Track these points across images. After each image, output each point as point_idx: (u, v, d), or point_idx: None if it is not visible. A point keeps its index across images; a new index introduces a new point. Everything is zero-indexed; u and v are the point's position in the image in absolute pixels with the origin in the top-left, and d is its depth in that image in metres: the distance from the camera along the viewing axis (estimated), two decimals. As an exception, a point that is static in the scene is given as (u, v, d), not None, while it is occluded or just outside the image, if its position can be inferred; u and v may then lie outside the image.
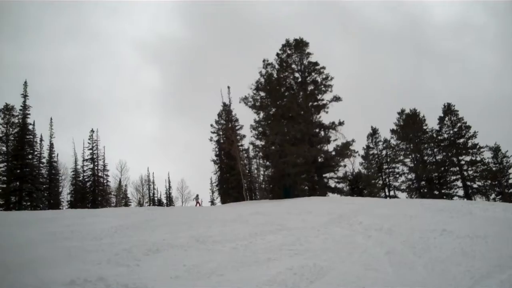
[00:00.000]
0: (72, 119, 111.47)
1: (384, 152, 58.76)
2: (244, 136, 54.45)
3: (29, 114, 53.13)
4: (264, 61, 43.25)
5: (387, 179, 57.65)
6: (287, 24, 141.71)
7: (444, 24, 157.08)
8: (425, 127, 56.62)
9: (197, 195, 43.71)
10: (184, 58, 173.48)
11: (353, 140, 40.47)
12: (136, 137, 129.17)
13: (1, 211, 41.28)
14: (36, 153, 55.26)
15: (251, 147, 50.34)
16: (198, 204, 41.63)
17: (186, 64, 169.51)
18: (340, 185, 43.26)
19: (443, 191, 52.69)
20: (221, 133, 56.34)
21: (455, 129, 53.96)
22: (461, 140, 53.24)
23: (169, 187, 78.88)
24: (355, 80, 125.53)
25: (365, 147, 59.50)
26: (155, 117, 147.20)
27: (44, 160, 57.62)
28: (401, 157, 56.74)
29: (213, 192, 71.53)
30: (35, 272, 8.32)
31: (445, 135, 54.67)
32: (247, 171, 57.64)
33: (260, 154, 45.86)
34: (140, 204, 72.48)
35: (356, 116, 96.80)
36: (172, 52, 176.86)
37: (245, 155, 58.75)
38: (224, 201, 52.93)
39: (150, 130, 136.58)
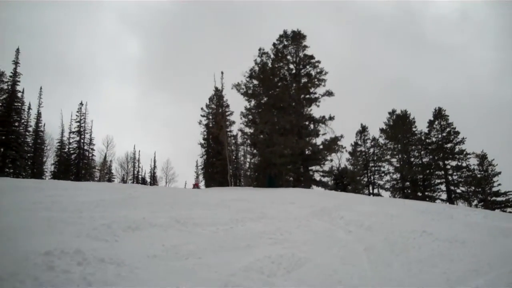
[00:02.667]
0: (55, 86, 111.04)
1: (371, 150, 59.03)
2: (233, 122, 54.47)
3: (19, 81, 52.61)
4: (259, 49, 43.23)
5: (372, 177, 57.96)
6: (284, 7, 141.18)
7: (443, 17, 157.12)
8: (414, 129, 56.92)
9: (197, 177, 43.52)
10: (171, 32, 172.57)
11: (341, 136, 40.60)
12: (119, 109, 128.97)
13: (-18, 176, 41.01)
14: (23, 121, 54.81)
15: (239, 133, 50.36)
16: (195, 187, 41.50)
17: (172, 39, 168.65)
18: (325, 179, 43.46)
19: (426, 193, 53.07)
20: (210, 117, 56.25)
21: (444, 134, 54.22)
22: (449, 145, 53.53)
23: (154, 166, 78.91)
24: (347, 72, 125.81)
25: (353, 143, 59.70)
26: (137, 89, 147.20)
27: (30, 129, 57.20)
28: (388, 157, 57.02)
29: (198, 175, 71.58)
30: (12, 240, 8.28)
31: (433, 139, 54.92)
32: (233, 157, 57.67)
33: (248, 141, 45.92)
34: (123, 181, 72.46)
35: (346, 111, 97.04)
36: (157, 24, 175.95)
37: (233, 141, 58.74)
38: (208, 185, 52.92)
39: (132, 102, 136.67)
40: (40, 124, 59.39)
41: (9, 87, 51.82)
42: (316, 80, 42.30)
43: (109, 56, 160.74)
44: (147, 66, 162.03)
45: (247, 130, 44.02)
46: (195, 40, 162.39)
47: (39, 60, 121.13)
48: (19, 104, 53.46)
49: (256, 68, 42.41)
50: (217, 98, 54.66)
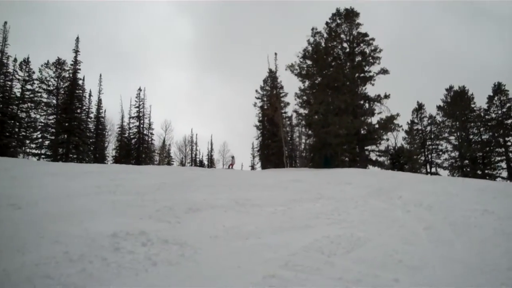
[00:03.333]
0: (111, 72, 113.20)
1: (428, 128, 58.05)
2: (288, 103, 54.60)
3: (79, 69, 54.35)
4: (312, 29, 42.85)
5: (429, 156, 57.05)
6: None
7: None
8: (473, 105, 55.57)
9: (233, 156, 42.48)
10: (222, 14, 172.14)
11: (397, 114, 39.92)
12: (173, 91, 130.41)
13: (48, 161, 42.54)
14: (84, 107, 56.82)
15: (294, 115, 50.18)
16: (231, 166, 41.42)
17: (224, 21, 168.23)
18: (381, 159, 42.97)
19: (486, 171, 51.87)
20: (265, 99, 56.41)
21: (504, 109, 52.69)
22: (509, 121, 51.96)
23: (211, 149, 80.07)
24: (402, 48, 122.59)
25: (409, 122, 58.87)
26: (191, 72, 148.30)
27: (91, 115, 59.42)
28: (446, 134, 55.99)
29: (253, 157, 72.29)
30: (80, 223, 8.64)
31: (493, 115, 53.49)
32: (288, 139, 57.81)
33: (303, 122, 45.71)
34: (182, 164, 73.71)
35: (402, 88, 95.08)
36: (208, 6, 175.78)
37: (288, 122, 58.86)
38: (264, 166, 53.29)
39: (186, 85, 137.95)
40: (101, 110, 61.65)
41: (70, 75, 53.46)
42: (370, 58, 41.71)
43: (162, 39, 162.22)
44: (200, 49, 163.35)
45: (301, 111, 43.90)
46: (247, 21, 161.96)
47: (94, 46, 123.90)
48: (80, 92, 55.42)
49: (310, 48, 42.11)
50: (271, 79, 54.74)
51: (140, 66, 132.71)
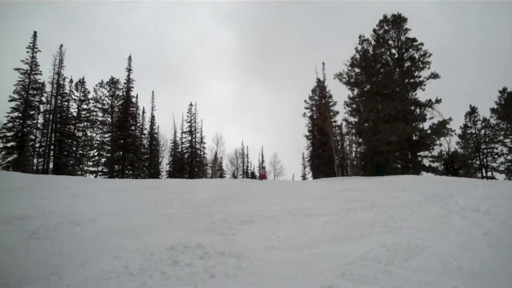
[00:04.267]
0: (158, 87, 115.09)
1: (482, 131, 56.66)
2: (337, 112, 54.54)
3: (132, 87, 55.92)
4: (360, 37, 42.69)
5: (484, 160, 55.64)
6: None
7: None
8: (528, 106, 53.85)
9: (264, 167, 39.65)
10: (264, 22, 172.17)
11: (450, 119, 39.12)
12: (220, 102, 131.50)
13: (105, 178, 43.59)
14: (138, 124, 58.22)
15: (344, 123, 50.18)
16: (262, 178, 36.59)
17: (266, 29, 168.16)
18: (434, 164, 42.11)
19: (545, 173, 50.18)
20: (314, 109, 56.43)
21: (563, 109, 50.93)
22: None
23: (262, 160, 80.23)
24: (452, 50, 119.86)
25: (462, 126, 57.63)
26: (236, 82, 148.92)
27: (145, 132, 60.70)
28: (501, 137, 54.44)
29: (304, 167, 72.07)
30: (138, 237, 8.86)
31: (552, 115, 51.72)
32: (339, 147, 57.46)
33: (353, 130, 45.54)
34: (234, 176, 74.22)
35: (453, 92, 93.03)
36: (249, 14, 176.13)
37: (338, 131, 58.52)
38: (315, 176, 53.15)
39: (233, 96, 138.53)
40: (154, 127, 63.00)
41: (124, 94, 54.93)
42: (420, 63, 41.07)
43: (205, 50, 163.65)
44: (243, 58, 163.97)
45: (351, 119, 43.77)
46: (290, 30, 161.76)
47: (141, 62, 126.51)
48: (134, 109, 56.82)
49: (357, 56, 41.97)
50: (320, 89, 54.68)
51: (187, 79, 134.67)
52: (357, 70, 41.85)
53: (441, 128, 39.03)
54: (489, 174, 54.88)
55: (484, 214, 11.61)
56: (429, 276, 6.49)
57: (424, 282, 6.22)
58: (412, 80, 41.15)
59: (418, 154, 40.82)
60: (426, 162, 41.22)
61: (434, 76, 40.15)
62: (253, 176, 76.94)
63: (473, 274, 6.58)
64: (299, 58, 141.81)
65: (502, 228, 9.90)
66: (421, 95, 41.60)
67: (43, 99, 49.53)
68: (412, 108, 41.09)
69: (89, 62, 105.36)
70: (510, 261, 7.24)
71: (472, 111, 58.20)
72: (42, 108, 49.48)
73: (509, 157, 54.07)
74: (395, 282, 6.31)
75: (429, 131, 39.71)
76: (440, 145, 43.31)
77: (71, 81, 52.80)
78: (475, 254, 7.78)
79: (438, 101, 39.84)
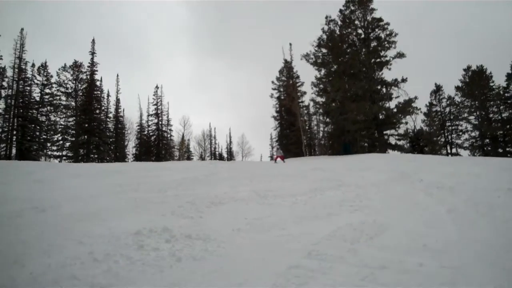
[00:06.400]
0: (116, 65, 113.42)
1: (447, 109, 57.72)
2: (304, 93, 54.85)
3: (96, 70, 55.08)
4: (326, 17, 42.93)
5: (449, 137, 56.71)
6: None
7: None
8: (491, 84, 54.91)
9: (278, 148, 35.63)
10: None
11: (415, 97, 39.81)
12: (183, 83, 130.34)
13: (70, 163, 43.01)
14: (103, 108, 57.48)
15: (311, 103, 50.36)
16: (278, 159, 32.37)
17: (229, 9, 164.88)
18: (400, 142, 42.92)
19: (507, 149, 51.31)
20: (282, 89, 56.52)
21: (524, 86, 52.00)
22: (530, 97, 51.34)
23: (230, 142, 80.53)
24: (417, 29, 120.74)
25: (427, 104, 58.59)
26: (196, 61, 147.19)
27: (110, 115, 60.04)
28: (465, 115, 55.62)
29: (272, 147, 72.30)
30: (104, 222, 8.73)
31: (513, 92, 52.78)
32: (307, 128, 57.77)
33: (321, 110, 45.85)
34: (202, 158, 74.19)
35: (419, 71, 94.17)
36: None
37: (305, 111, 58.80)
38: (284, 156, 53.35)
39: (196, 76, 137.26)
40: (119, 110, 62.42)
41: (88, 77, 54.13)
42: (386, 43, 41.51)
43: (162, 29, 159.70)
44: (203, 37, 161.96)
45: (318, 99, 44.08)
46: (254, 10, 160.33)
47: (102, 45, 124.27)
48: (99, 92, 56.04)
49: (324, 37, 42.21)
50: (287, 70, 54.76)
51: (150, 60, 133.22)
52: (324, 50, 42.09)
53: (407, 107, 39.62)
54: (454, 151, 55.93)
55: (449, 191, 11.81)
56: (394, 254, 6.54)
57: (389, 260, 6.27)
58: (378, 60, 41.58)
59: (385, 132, 41.40)
60: (392, 140, 41.98)
61: (400, 55, 40.60)
62: (221, 157, 76.98)
63: (438, 251, 6.66)
64: (267, 39, 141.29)
65: (466, 204, 10.06)
66: (387, 74, 42.31)
67: (4, 84, 48.56)
68: (379, 87, 41.57)
69: (51, 47, 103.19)
70: (473, 237, 7.35)
71: (437, 89, 59.03)
72: (3, 93, 48.44)
73: (473, 134, 55.25)
74: (360, 260, 6.35)
75: (395, 110, 40.28)
76: (406, 123, 44.03)
77: (33, 65, 51.74)
78: (439, 231, 7.88)
79: (404, 80, 40.37)
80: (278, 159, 31.32)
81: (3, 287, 5.31)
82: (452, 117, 57.13)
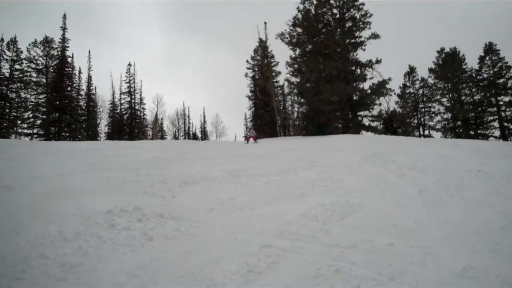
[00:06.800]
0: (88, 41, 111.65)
1: (421, 91, 58.29)
2: (279, 72, 54.56)
3: (68, 47, 54.01)
4: (303, -5, 42.48)
5: (422, 118, 57.36)
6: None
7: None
8: (464, 67, 55.56)
9: (250, 128, 34.31)
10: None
11: (389, 79, 39.94)
12: (156, 61, 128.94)
13: (41, 141, 42.43)
14: (75, 85, 56.63)
15: (286, 83, 50.18)
16: (250, 139, 31.38)
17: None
18: (374, 124, 43.15)
19: (479, 131, 52.22)
20: (256, 69, 56.21)
21: (496, 69, 52.71)
22: (501, 80, 52.12)
23: (204, 121, 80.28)
24: (390, 9, 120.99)
25: (401, 85, 59.07)
26: (167, 40, 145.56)
27: (82, 93, 59.21)
28: (438, 97, 56.19)
29: (247, 128, 72.23)
30: (75, 201, 8.61)
31: (485, 75, 53.52)
32: (281, 108, 57.81)
33: (295, 91, 45.74)
34: (175, 137, 73.89)
35: (393, 53, 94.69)
36: None
37: (280, 91, 58.79)
38: (257, 137, 53.33)
39: (163, 53, 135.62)
40: (91, 87, 61.66)
41: (59, 53, 53.10)
42: (361, 23, 41.51)
43: (133, 3, 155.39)
44: (179, 17, 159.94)
45: (293, 79, 43.94)
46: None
47: (74, 20, 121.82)
48: (70, 69, 55.08)
49: (299, 16, 41.99)
50: (262, 49, 54.49)
51: (120, 36, 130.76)
52: (299, 30, 41.93)
53: (381, 88, 39.83)
54: (426, 132, 56.61)
55: (420, 172, 11.96)
56: (365, 233, 6.60)
57: (360, 239, 6.33)
58: (353, 41, 41.62)
59: (359, 113, 41.61)
60: (366, 121, 42.20)
61: (375, 36, 40.65)
62: (195, 137, 76.73)
63: (408, 230, 6.75)
64: (242, 18, 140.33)
65: (437, 185, 10.21)
66: (362, 55, 42.39)
67: (-28, 58, 47.42)
68: (353, 68, 41.65)
69: (21, 21, 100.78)
70: (443, 217, 7.46)
71: (411, 71, 59.49)
72: (-29, 68, 47.41)
73: (445, 116, 55.87)
74: (332, 240, 6.40)
75: (369, 91, 40.46)
76: (380, 104, 44.31)
77: (2, 40, 50.47)
78: (410, 211, 7.98)
79: (378, 61, 40.52)
80: (251, 139, 30.81)
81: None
82: (425, 99, 57.66)
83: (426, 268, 5.16)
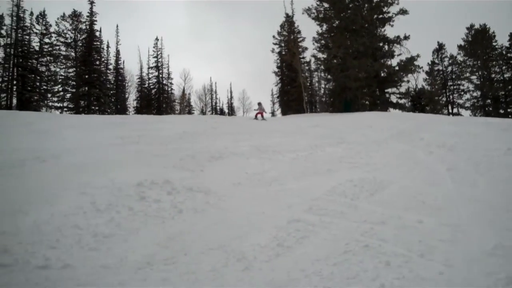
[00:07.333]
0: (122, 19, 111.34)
1: (449, 68, 57.15)
2: (306, 48, 53.76)
3: (96, 20, 54.05)
4: (329, -31, 41.80)
5: (451, 96, 56.39)
6: None
7: None
8: (494, 44, 54.26)
9: (259, 103, 32.95)
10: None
11: (418, 55, 39.13)
12: (183, 36, 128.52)
13: (71, 114, 42.94)
14: (103, 59, 56.65)
15: (312, 60, 49.52)
16: (259, 116, 29.20)
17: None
18: (402, 101, 42.46)
19: (509, 110, 51.18)
20: (283, 44, 55.69)
21: (526, 47, 51.50)
22: (532, 58, 50.92)
23: (231, 97, 79.99)
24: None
25: (430, 62, 57.95)
26: (193, 13, 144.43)
27: (111, 67, 59.24)
28: (467, 74, 55.08)
29: (273, 104, 72.05)
30: (105, 174, 8.76)
31: (515, 52, 52.31)
32: (308, 84, 57.35)
33: (322, 67, 45.19)
34: (202, 112, 73.99)
35: (422, 29, 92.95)
36: None
37: (307, 67, 58.19)
38: (284, 113, 53.10)
39: (189, 27, 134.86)
40: (119, 62, 61.54)
41: (87, 27, 53.27)
42: (389, -2, 40.68)
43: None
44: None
45: (320, 55, 43.37)
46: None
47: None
48: (98, 43, 55.08)
49: (327, -10, 41.31)
50: (288, 24, 53.80)
51: (147, 10, 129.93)
52: (326, 5, 41.24)
53: (409, 65, 39.13)
54: (455, 110, 55.79)
55: (449, 150, 11.82)
56: (394, 210, 6.60)
57: (389, 216, 6.33)
58: (380, 16, 40.79)
59: (386, 90, 41.04)
60: (393, 98, 41.51)
61: (403, 12, 39.80)
62: (221, 112, 76.84)
63: (437, 208, 6.72)
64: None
65: (466, 163, 10.08)
66: (389, 31, 41.60)
67: (3, 32, 47.60)
68: (381, 44, 40.92)
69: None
70: (473, 195, 7.40)
71: (440, 47, 58.42)
72: (2, 41, 47.85)
73: (474, 94, 54.92)
74: (360, 216, 6.41)
75: (397, 68, 39.78)
76: (408, 81, 43.51)
77: (31, 13, 50.65)
78: (439, 189, 7.93)
79: (406, 37, 39.75)
80: (259, 115, 28.94)
81: (8, 234, 5.37)
82: (454, 77, 56.69)
83: (456, 245, 5.15)
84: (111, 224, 6.04)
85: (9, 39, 47.73)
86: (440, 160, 10.59)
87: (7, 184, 7.72)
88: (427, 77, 57.58)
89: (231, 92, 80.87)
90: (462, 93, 55.98)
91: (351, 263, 4.74)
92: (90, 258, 4.95)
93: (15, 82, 47.19)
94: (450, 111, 55.49)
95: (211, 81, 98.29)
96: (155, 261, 4.95)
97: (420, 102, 48.31)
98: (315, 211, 6.75)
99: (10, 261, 4.61)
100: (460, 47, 56.34)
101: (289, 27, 54.00)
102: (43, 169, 9.18)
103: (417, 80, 55.39)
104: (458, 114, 54.28)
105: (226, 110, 79.16)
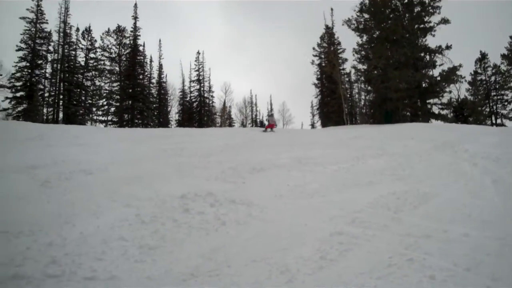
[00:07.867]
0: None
1: (493, 78, 55.95)
2: (346, 59, 53.74)
3: (139, 35, 55.40)
4: (370, -19, 41.67)
5: (494, 107, 55.18)
6: None
7: None
8: (539, 52, 53.02)
9: (271, 114, 30.31)
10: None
11: (460, 65, 38.53)
12: (224, 50, 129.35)
13: (115, 127, 43.79)
14: (146, 73, 57.86)
15: (353, 71, 49.48)
16: (269, 128, 28.48)
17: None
18: (444, 112, 41.89)
19: (555, 121, 49.89)
20: (323, 56, 55.71)
21: None
22: None
23: (271, 109, 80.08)
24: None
25: (472, 72, 56.93)
26: (232, 27, 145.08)
27: (153, 81, 60.47)
28: (511, 84, 53.82)
29: (313, 116, 71.85)
30: (150, 186, 8.95)
31: (562, 62, 50.97)
32: (348, 95, 57.13)
33: (362, 78, 45.06)
34: (243, 125, 74.33)
35: (464, 38, 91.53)
36: None
37: (347, 79, 58.03)
38: (324, 124, 53.03)
39: (229, 40, 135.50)
40: (162, 75, 62.59)
41: (131, 42, 54.48)
42: (430, 8, 40.12)
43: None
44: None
45: (360, 66, 43.26)
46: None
47: (145, 9, 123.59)
48: (142, 58, 56.34)
49: (366, 1, 41.14)
50: (328, 36, 53.89)
51: (191, 26, 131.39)
52: (366, 16, 41.16)
53: (451, 75, 38.56)
54: (498, 121, 54.61)
55: (494, 162, 11.57)
56: (439, 223, 6.52)
57: (434, 229, 6.25)
58: (422, 26, 40.38)
59: (428, 101, 40.51)
60: (435, 109, 40.97)
61: (445, 21, 39.32)
62: (261, 125, 77.13)
63: (483, 221, 6.60)
64: (307, 4, 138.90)
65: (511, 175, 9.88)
66: (431, 41, 41.14)
67: (50, 48, 49.36)
68: (422, 54, 40.47)
69: (95, 11, 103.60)
70: (519, 208, 7.25)
71: (483, 57, 57.38)
72: (49, 57, 49.35)
73: (518, 104, 53.72)
74: (404, 229, 6.35)
75: (438, 78, 39.24)
76: (450, 92, 42.95)
77: (77, 29, 52.47)
78: (484, 201, 7.79)
79: (448, 47, 39.21)
80: (269, 128, 28.16)
81: (56, 246, 5.52)
82: (497, 86, 55.52)
83: (503, 259, 5.04)
84: (156, 236, 6.15)
85: (56, 54, 49.24)
86: (485, 172, 10.39)
87: (55, 196, 7.94)
88: (470, 87, 56.63)
89: (271, 104, 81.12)
90: (506, 103, 54.75)
91: (395, 276, 4.70)
92: (136, 269, 5.04)
93: (61, 97, 48.52)
94: (494, 121, 54.33)
95: (251, 94, 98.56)
96: (199, 273, 5.01)
97: (463, 113, 47.57)
98: (358, 223, 6.72)
99: (58, 272, 4.73)
100: (503, 56, 55.19)
101: (329, 39, 54.06)
102: (89, 181, 9.41)
103: (459, 91, 54.31)
104: (502, 124, 53.09)
105: (266, 123, 79.36)
